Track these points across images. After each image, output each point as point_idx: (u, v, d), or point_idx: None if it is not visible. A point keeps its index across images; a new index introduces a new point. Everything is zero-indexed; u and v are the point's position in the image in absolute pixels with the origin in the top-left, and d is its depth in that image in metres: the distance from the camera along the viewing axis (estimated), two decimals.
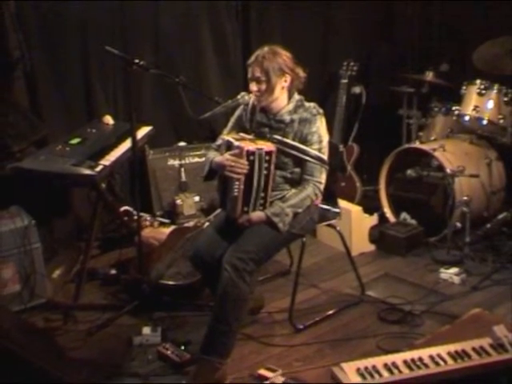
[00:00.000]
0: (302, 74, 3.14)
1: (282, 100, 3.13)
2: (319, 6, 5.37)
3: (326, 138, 3.14)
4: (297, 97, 3.16)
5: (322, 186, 3.12)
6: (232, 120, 3.30)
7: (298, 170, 3.11)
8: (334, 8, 5.46)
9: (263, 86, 3.04)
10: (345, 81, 4.99)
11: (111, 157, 3.60)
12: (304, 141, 3.08)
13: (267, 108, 3.15)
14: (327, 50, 5.53)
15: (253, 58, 3.08)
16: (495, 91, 4.41)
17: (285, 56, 3.08)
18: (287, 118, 3.11)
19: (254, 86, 3.07)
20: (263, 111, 3.17)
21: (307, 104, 3.15)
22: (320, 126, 3.11)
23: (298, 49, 3.22)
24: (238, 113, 3.28)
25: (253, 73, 3.06)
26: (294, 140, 3.08)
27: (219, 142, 3.21)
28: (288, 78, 3.08)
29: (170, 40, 4.82)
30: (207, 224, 3.72)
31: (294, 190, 3.10)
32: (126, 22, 4.57)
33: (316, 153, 3.07)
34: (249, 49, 4.97)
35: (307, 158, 3.07)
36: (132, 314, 3.50)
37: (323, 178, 3.12)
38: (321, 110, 3.15)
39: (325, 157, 3.11)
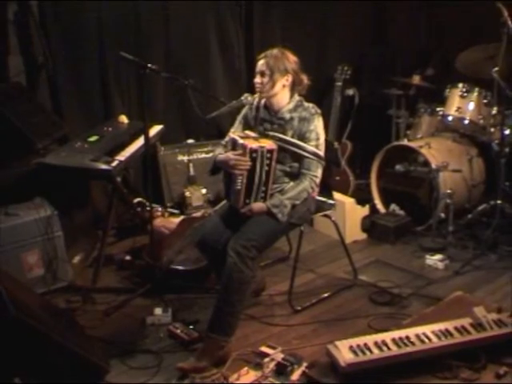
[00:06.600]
0: (305, 80, 3.14)
1: (283, 98, 3.12)
2: (316, 16, 5.35)
3: (322, 135, 3.13)
4: (297, 97, 3.15)
5: (318, 180, 3.12)
6: (238, 118, 3.29)
7: (296, 164, 3.11)
8: (330, 16, 5.44)
9: (265, 80, 3.05)
10: (339, 83, 4.98)
11: (126, 153, 3.60)
12: (302, 138, 3.07)
13: (269, 103, 3.15)
14: (323, 55, 5.51)
15: (262, 54, 3.10)
16: (476, 94, 4.39)
17: (291, 59, 3.09)
18: (287, 115, 3.10)
19: (257, 78, 3.09)
20: (266, 108, 3.17)
21: (306, 104, 3.15)
22: (317, 125, 3.10)
23: (297, 55, 3.20)
24: (243, 112, 3.29)
25: (259, 66, 3.08)
26: (293, 137, 3.07)
27: (227, 139, 3.21)
28: (290, 77, 3.07)
29: (180, 45, 4.79)
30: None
31: (292, 183, 3.10)
32: (140, 29, 4.55)
33: (313, 149, 3.06)
34: (251, 52, 4.97)
35: (305, 153, 3.06)
36: (145, 296, 3.51)
37: (319, 172, 3.12)
38: (319, 110, 3.14)
39: (321, 153, 3.10)
